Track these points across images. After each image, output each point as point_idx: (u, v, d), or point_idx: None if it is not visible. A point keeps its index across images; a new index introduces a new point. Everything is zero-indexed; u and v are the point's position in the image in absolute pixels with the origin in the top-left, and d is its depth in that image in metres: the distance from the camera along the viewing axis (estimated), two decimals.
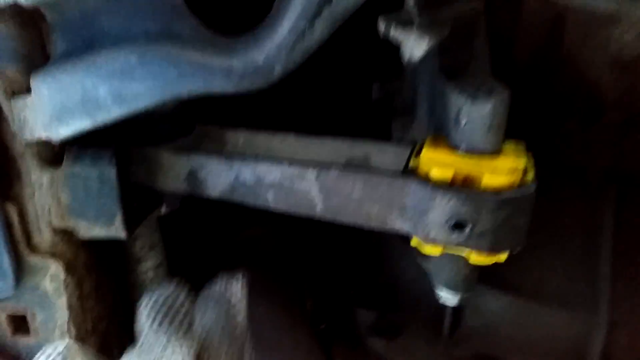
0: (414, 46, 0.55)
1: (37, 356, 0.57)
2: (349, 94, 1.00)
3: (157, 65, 0.50)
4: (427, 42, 0.54)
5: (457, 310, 0.79)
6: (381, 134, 0.78)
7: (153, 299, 0.61)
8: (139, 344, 0.59)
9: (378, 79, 0.88)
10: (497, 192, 0.54)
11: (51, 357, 0.56)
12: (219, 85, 0.50)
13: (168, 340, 0.58)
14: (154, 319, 0.60)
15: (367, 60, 0.99)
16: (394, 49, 0.57)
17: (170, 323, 0.60)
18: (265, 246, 0.98)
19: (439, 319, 0.80)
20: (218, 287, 0.67)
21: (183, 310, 0.62)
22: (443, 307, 0.78)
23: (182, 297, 0.63)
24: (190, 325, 0.62)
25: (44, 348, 0.57)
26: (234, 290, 0.66)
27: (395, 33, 0.54)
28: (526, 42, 0.82)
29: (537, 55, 0.82)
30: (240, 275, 0.66)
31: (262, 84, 0.50)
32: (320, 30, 0.47)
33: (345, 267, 0.94)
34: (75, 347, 0.58)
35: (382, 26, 0.55)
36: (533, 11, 0.80)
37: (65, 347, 0.57)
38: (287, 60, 0.48)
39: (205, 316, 0.63)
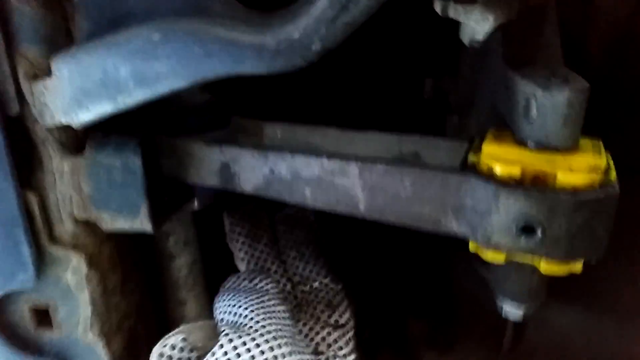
0: (477, 25, 0.47)
1: (157, 350, 0.55)
2: (400, 91, 0.94)
3: (182, 42, 0.45)
4: (492, 21, 0.47)
5: (520, 323, 0.71)
6: (433, 133, 0.72)
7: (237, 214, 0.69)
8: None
9: (430, 75, 0.82)
10: (574, 191, 0.46)
11: (179, 346, 0.55)
12: (250, 65, 0.44)
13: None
14: (239, 233, 0.69)
15: (419, 54, 0.92)
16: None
17: (254, 235, 0.69)
18: None
19: (498, 332, 0.72)
20: (294, 211, 0.78)
21: (264, 224, 0.71)
22: (503, 319, 0.71)
23: (261, 213, 0.73)
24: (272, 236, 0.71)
25: (162, 340, 0.55)
26: (308, 212, 0.78)
27: (455, 11, 0.47)
28: (601, 35, 0.75)
29: (613, 49, 0.74)
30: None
31: (298, 63, 0.43)
32: (366, 0, 0.40)
33: (395, 271, 0.87)
34: (193, 328, 0.57)
35: (438, 5, 0.48)
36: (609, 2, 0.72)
37: (186, 332, 0.56)
38: (328, 35, 0.42)
39: (293, 232, 0.75)
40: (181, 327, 0.56)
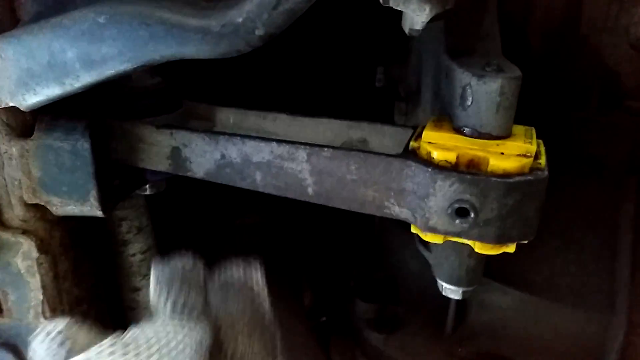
0: (414, 15, 0.49)
1: (36, 332, 0.52)
2: (352, 79, 0.96)
3: (127, 25, 0.45)
4: (428, 11, 0.49)
5: (461, 304, 0.74)
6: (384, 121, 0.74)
7: (167, 269, 0.55)
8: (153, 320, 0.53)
9: (382, 64, 0.84)
10: (505, 176, 0.49)
11: (51, 336, 0.52)
12: (195, 48, 0.45)
13: (182, 320, 0.53)
14: (168, 293, 0.54)
15: (371, 43, 0.94)
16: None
17: (185, 300, 0.55)
18: (261, 235, 0.93)
19: (442, 313, 0.75)
20: (236, 273, 0.61)
21: (199, 287, 0.56)
22: (446, 301, 0.73)
23: (198, 271, 0.57)
24: (206, 304, 0.57)
25: (42, 326, 0.52)
26: (255, 277, 0.61)
27: (395, 0, 0.49)
28: (540, 24, 0.78)
29: (552, 38, 0.78)
30: (258, 264, 0.61)
31: (242, 47, 0.45)
32: None
33: (344, 257, 0.90)
34: (76, 326, 0.53)
35: None
36: None
37: (65, 326, 0.52)
38: (270, 20, 0.43)
39: (227, 303, 0.58)
40: (68, 319, 0.53)
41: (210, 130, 0.61)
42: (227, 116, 0.67)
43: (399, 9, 0.49)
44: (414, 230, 0.56)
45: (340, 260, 0.91)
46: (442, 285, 0.60)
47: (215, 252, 0.93)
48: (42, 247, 0.61)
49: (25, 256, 0.60)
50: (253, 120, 0.67)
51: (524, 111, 0.55)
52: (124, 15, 0.45)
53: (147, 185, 0.68)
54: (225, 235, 0.94)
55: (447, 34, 0.60)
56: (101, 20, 0.46)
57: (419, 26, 0.50)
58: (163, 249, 0.82)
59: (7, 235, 0.59)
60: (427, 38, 0.68)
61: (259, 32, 0.43)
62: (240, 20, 0.43)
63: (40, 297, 0.62)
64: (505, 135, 0.53)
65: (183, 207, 0.92)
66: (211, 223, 0.96)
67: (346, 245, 0.93)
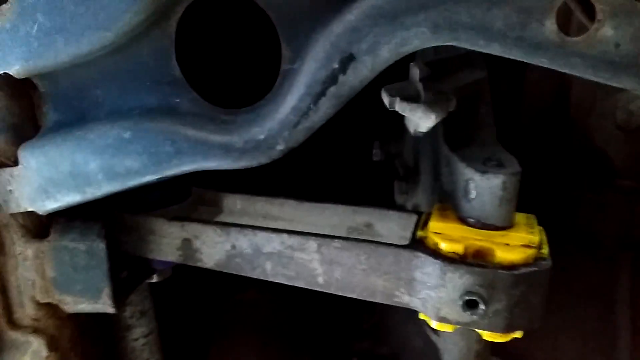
0: (421, 121, 0.52)
1: None
2: (350, 153, 0.98)
3: (153, 141, 0.47)
4: (434, 118, 0.52)
5: None
6: (383, 194, 0.76)
7: None
8: None
9: (378, 139, 0.86)
10: (511, 267, 0.51)
11: None
12: (217, 161, 0.47)
13: None
14: None
15: (367, 118, 0.97)
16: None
17: None
18: (262, 310, 0.93)
19: None
20: None
21: None
22: None
23: None
24: None
25: None
26: None
27: (401, 107, 0.52)
28: (532, 107, 0.82)
29: (543, 119, 0.82)
30: None
31: (263, 160, 0.47)
32: (324, 109, 0.45)
33: (346, 333, 0.90)
34: None
35: (386, 99, 0.53)
36: (536, 80, 0.80)
37: None
38: (290, 138, 0.46)
39: None
40: None
41: (221, 221, 0.62)
42: (234, 202, 0.69)
43: (405, 114, 0.52)
44: (422, 316, 0.57)
45: (340, 335, 0.91)
46: None
47: (214, 327, 0.93)
48: (52, 345, 0.60)
49: (34, 355, 0.59)
50: (260, 205, 0.68)
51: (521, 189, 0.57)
52: (149, 131, 0.47)
53: (155, 274, 0.68)
54: (225, 310, 0.93)
55: (445, 124, 0.63)
56: (126, 135, 0.48)
57: (424, 130, 0.53)
58: (164, 330, 0.81)
59: (17, 335, 0.58)
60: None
61: (280, 147, 0.46)
62: (262, 137, 0.45)
63: None
64: (509, 225, 0.55)
65: (183, 287, 0.92)
66: (211, 297, 0.95)
67: (347, 320, 0.93)
